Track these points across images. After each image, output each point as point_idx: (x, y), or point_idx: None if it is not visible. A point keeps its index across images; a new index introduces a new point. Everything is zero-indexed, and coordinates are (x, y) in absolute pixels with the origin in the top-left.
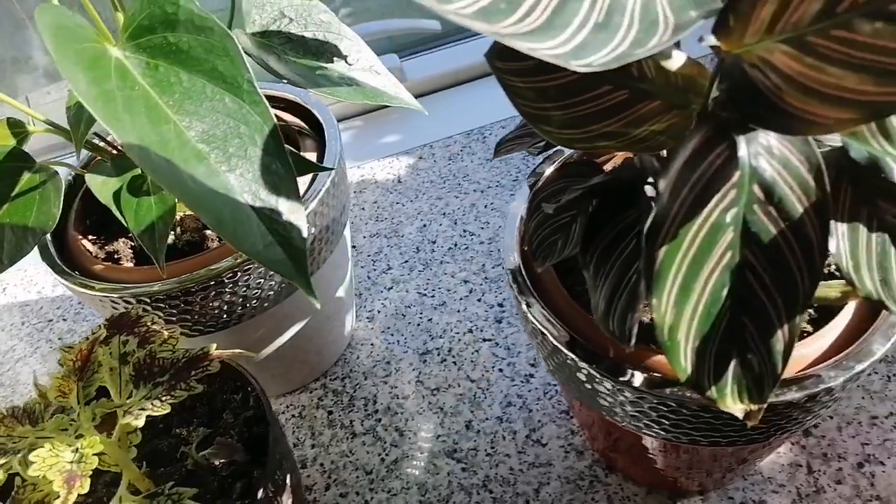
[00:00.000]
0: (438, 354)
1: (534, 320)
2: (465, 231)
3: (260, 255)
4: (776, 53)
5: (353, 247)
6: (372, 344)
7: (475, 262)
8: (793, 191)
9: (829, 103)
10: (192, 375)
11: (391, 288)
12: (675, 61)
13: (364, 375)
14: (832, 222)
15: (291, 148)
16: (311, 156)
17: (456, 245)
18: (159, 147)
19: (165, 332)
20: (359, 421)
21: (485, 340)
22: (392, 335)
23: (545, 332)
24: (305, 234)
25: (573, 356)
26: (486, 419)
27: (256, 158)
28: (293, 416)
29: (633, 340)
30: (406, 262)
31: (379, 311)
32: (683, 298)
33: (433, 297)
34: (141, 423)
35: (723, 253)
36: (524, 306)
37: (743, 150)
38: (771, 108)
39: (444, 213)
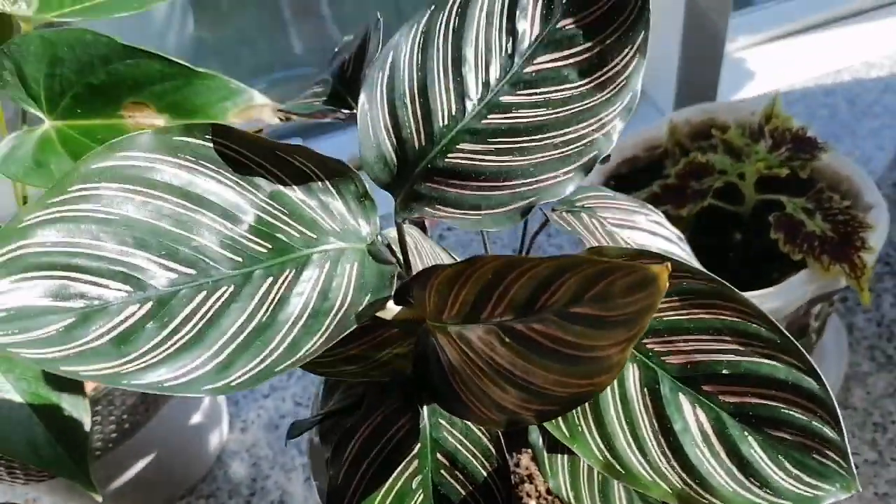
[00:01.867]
0: (304, 472)
1: (318, 497)
2: None
3: (36, 456)
4: (451, 337)
5: None
6: (241, 458)
7: None
8: (475, 457)
9: (481, 399)
10: None
11: (268, 395)
12: (390, 311)
13: (229, 494)
14: (553, 455)
15: None
16: None
17: None
18: None
19: None
20: None
21: None
22: (262, 449)
23: None
24: (88, 428)
25: None
26: None
27: None
28: None
29: None
30: None
31: (253, 422)
32: None
33: (308, 406)
34: None
35: None
36: (314, 482)
37: (425, 421)
38: (447, 386)
39: None
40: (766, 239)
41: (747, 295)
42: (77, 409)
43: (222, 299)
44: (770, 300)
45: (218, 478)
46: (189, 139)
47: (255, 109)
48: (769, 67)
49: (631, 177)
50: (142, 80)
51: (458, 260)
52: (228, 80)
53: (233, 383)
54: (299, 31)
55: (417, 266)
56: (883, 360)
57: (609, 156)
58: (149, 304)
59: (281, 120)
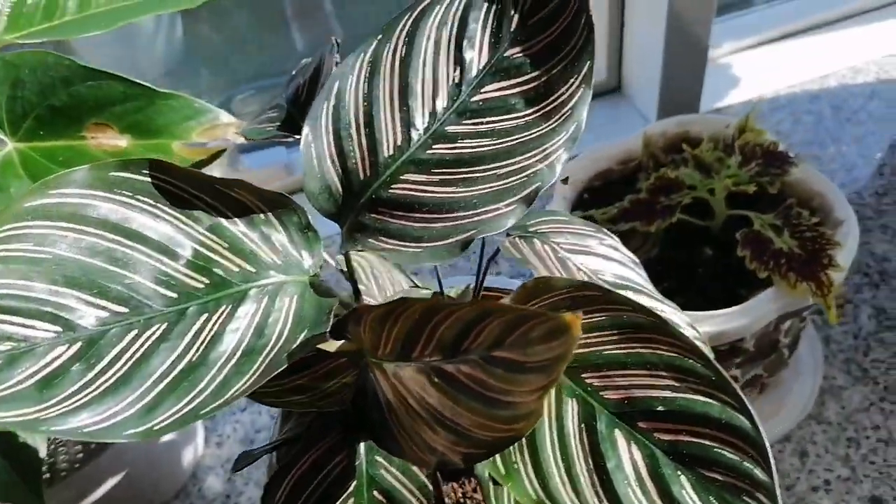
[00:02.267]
0: None
1: None
2: None
3: None
4: (387, 374)
5: None
6: (217, 473)
7: None
8: (412, 494)
9: (414, 439)
10: None
11: (245, 409)
12: (333, 344)
13: None
14: (498, 486)
15: None
16: None
17: None
18: None
19: None
20: None
21: None
22: None
23: None
24: (43, 455)
25: None
26: None
27: None
28: None
29: None
30: None
31: (229, 436)
32: None
33: None
34: None
35: None
36: None
37: (361, 458)
38: (383, 423)
39: None
40: (736, 255)
41: (712, 314)
42: (32, 436)
43: (153, 338)
44: (736, 318)
45: (192, 494)
46: (126, 174)
47: (220, 129)
48: (755, 73)
49: (604, 190)
50: (104, 101)
51: (415, 282)
52: (192, 100)
53: (155, 427)
54: (301, 30)
55: (373, 291)
56: (859, 374)
57: (567, 178)
58: (77, 345)
59: (246, 139)
